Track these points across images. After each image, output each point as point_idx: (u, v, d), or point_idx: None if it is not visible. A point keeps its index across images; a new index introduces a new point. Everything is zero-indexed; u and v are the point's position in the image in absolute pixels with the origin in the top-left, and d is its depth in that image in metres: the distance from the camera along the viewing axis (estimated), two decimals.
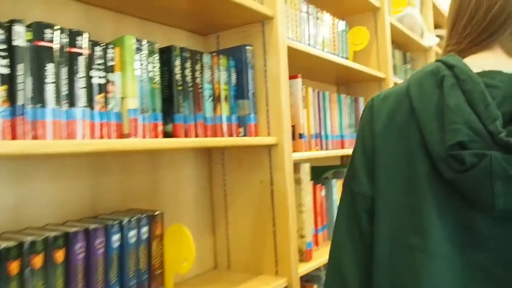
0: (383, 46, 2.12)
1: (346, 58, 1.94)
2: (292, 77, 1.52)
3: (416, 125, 0.62)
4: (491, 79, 0.61)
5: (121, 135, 0.98)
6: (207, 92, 1.20)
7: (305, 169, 1.47)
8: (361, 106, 2.05)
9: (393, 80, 2.16)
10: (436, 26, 3.67)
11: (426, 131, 0.60)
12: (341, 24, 1.90)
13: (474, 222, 0.58)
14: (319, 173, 1.92)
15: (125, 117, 0.98)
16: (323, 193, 1.70)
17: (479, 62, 0.66)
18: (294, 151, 1.41)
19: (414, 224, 0.61)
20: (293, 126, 1.51)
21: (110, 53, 0.97)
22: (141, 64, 1.02)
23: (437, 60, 0.65)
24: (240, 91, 1.31)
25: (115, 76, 0.97)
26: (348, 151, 1.80)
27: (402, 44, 2.70)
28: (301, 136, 1.51)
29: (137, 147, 0.92)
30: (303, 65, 1.72)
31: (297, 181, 1.44)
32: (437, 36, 3.62)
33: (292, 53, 1.42)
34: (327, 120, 1.75)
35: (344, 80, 2.17)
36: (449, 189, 0.59)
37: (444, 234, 0.59)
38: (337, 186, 1.77)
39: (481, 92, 0.57)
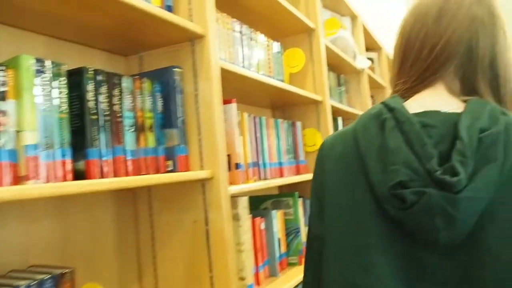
0: (318, 68, 2.05)
1: (282, 80, 1.84)
2: (226, 101, 1.38)
3: (362, 167, 0.65)
4: (429, 119, 0.64)
5: (17, 179, 0.78)
6: (127, 122, 1.02)
7: (243, 203, 1.33)
8: (299, 131, 1.95)
9: (329, 103, 2.09)
10: (367, 49, 3.73)
11: (370, 172, 0.63)
12: (276, 46, 1.81)
13: (421, 256, 0.60)
14: (257, 204, 1.79)
15: (22, 155, 0.79)
16: (262, 226, 1.56)
17: (423, 100, 0.70)
18: (230, 183, 1.27)
19: (360, 263, 0.63)
20: (228, 156, 1.37)
21: (1, 76, 0.78)
22: (43, 90, 0.84)
23: (381, 103, 0.69)
24: (167, 119, 1.15)
25: (7, 105, 0.78)
26: (288, 179, 1.69)
27: (336, 67, 2.67)
28: (237, 166, 1.37)
29: (37, 195, 0.73)
30: (236, 89, 1.60)
31: (235, 217, 1.29)
32: (369, 58, 3.67)
33: (226, 75, 1.29)
34: (265, 147, 1.63)
35: (280, 104, 2.07)
36: (394, 227, 0.61)
37: (390, 271, 0.61)
38: (277, 218, 1.64)
39: (418, 132, 0.61)
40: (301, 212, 1.84)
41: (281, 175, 1.74)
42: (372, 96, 3.52)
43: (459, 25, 0.70)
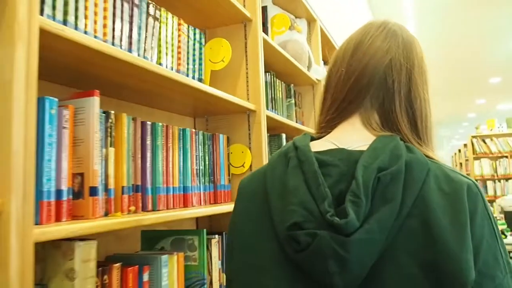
0: (254, 69, 1.62)
1: (200, 79, 1.40)
2: (83, 94, 0.92)
3: (267, 205, 0.64)
4: (331, 157, 0.63)
5: None
6: None
7: (83, 252, 0.84)
8: (222, 147, 1.50)
9: (266, 113, 1.65)
10: (326, 60, 3.33)
11: (273, 212, 0.62)
12: (194, 32, 1.37)
13: None
14: (153, 241, 1.31)
15: None
16: (145, 277, 1.09)
17: (336, 136, 0.70)
18: (74, 216, 0.80)
19: None
20: (81, 175, 0.90)
21: None
22: None
23: (292, 141, 0.68)
24: None
25: None
26: (196, 211, 1.23)
27: (285, 74, 2.25)
28: (93, 191, 0.90)
29: None
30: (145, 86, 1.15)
31: (69, 275, 0.81)
32: None
33: (60, 46, 0.83)
34: (158, 166, 1.17)
35: (201, 112, 1.62)
36: (295, 269, 0.59)
37: None
38: (171, 265, 1.17)
39: (314, 172, 0.60)
40: (214, 254, 1.38)
41: (185, 205, 1.28)
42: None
43: (372, 57, 0.70)
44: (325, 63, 3.25)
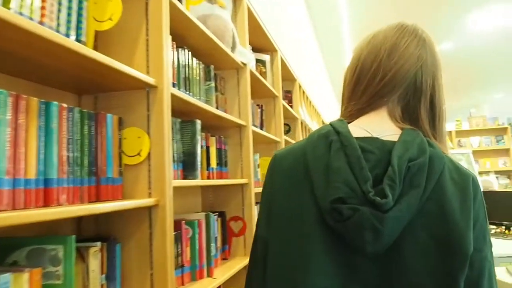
0: (156, 36, 1.31)
1: (80, 40, 1.07)
2: None
3: (309, 181, 0.74)
4: (369, 145, 0.74)
5: None
6: None
7: None
8: (110, 128, 1.19)
9: (171, 91, 1.36)
10: (257, 49, 3.08)
11: (316, 187, 0.72)
12: None
13: (353, 260, 0.70)
14: (4, 253, 0.98)
15: None
16: None
17: (366, 124, 0.81)
18: None
19: (300, 263, 0.71)
20: None
21: None
22: None
23: (329, 124, 0.79)
24: None
25: None
26: (54, 211, 0.91)
27: (205, 54, 1.96)
28: None
29: None
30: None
31: None
32: (257, 60, 3.02)
33: None
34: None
35: (89, 87, 1.29)
36: (333, 234, 0.70)
37: (327, 271, 0.70)
38: (17, 287, 0.84)
39: (358, 157, 0.71)
40: (94, 267, 1.06)
41: (47, 203, 0.96)
42: (260, 105, 2.87)
43: (407, 61, 0.81)
44: (254, 49, 3.00)
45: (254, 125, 2.67)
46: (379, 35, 0.86)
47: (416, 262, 0.68)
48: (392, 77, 0.80)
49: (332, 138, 0.74)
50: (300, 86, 4.24)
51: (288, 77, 3.84)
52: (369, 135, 0.77)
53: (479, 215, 0.72)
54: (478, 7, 5.88)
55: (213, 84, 1.99)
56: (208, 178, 1.94)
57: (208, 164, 1.95)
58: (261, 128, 2.87)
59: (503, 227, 3.98)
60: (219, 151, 2.11)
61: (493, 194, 4.40)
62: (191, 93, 1.72)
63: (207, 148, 1.94)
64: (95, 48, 1.34)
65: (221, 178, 2.09)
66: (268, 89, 2.90)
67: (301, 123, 4.19)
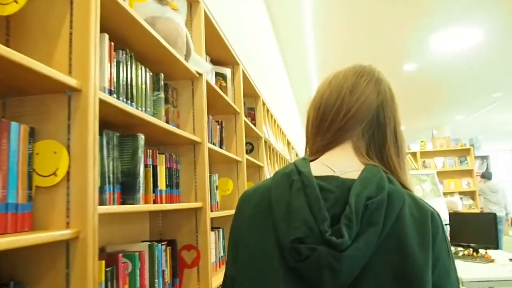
0: (82, 31, 1.07)
1: None
2: None
3: (271, 219, 0.76)
4: (328, 183, 0.76)
5: None
6: None
7: None
8: (15, 140, 0.93)
9: (99, 96, 1.11)
10: (217, 62, 2.87)
11: (277, 225, 0.74)
12: None
13: None
14: None
15: None
16: None
17: (332, 160, 0.84)
18: None
19: None
20: None
21: None
22: None
23: (293, 163, 0.81)
24: None
25: None
26: None
27: (154, 60, 1.73)
28: None
29: None
30: None
31: None
32: (218, 73, 2.80)
33: None
34: None
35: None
36: (294, 273, 0.71)
37: None
38: None
39: (316, 197, 0.73)
40: None
41: None
42: (219, 122, 2.65)
43: (368, 97, 0.85)
44: (214, 61, 2.79)
45: (212, 143, 2.44)
46: (339, 75, 0.90)
47: None
48: (356, 111, 0.84)
49: (294, 177, 0.76)
50: (264, 104, 4.04)
51: (251, 93, 3.64)
52: (331, 173, 0.80)
53: (441, 252, 0.73)
54: (443, 28, 5.91)
55: (162, 95, 1.75)
56: (155, 202, 1.69)
57: (155, 185, 1.70)
58: (221, 147, 2.64)
59: (471, 249, 3.85)
60: (170, 170, 1.86)
61: (458, 216, 4.31)
62: (133, 103, 1.48)
63: (154, 167, 1.69)
64: (7, 43, 1.09)
65: (171, 202, 1.84)
66: (228, 104, 2.69)
67: (265, 142, 3.99)
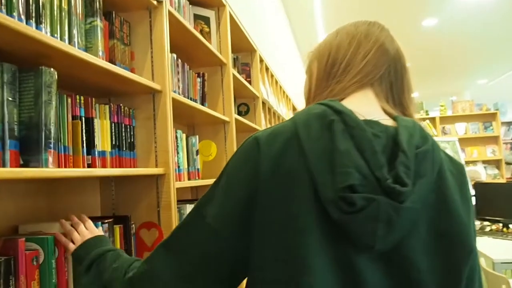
0: None
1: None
2: None
3: (305, 166, 0.63)
4: (371, 128, 0.67)
5: None
6: None
7: None
8: None
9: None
10: (197, 2, 2.38)
11: (315, 172, 0.63)
12: None
13: (354, 260, 0.62)
14: None
15: None
16: None
17: (356, 105, 0.71)
18: None
19: (300, 266, 0.61)
20: None
21: None
22: None
23: (321, 104, 0.70)
24: None
25: None
26: None
27: None
28: None
29: None
30: None
31: None
32: (197, 16, 2.34)
33: None
34: None
35: None
36: (334, 232, 0.62)
37: (327, 276, 0.61)
38: None
39: (369, 140, 0.63)
40: None
41: None
42: (200, 74, 2.19)
43: (384, 43, 0.77)
44: (193, 1, 2.31)
45: (190, 98, 1.99)
46: (347, 26, 0.82)
47: (420, 258, 0.64)
48: (374, 55, 0.76)
49: (332, 118, 0.66)
50: (262, 60, 3.56)
51: (245, 46, 3.16)
52: (364, 118, 0.70)
53: (472, 207, 0.71)
54: None
55: (98, 23, 1.29)
56: (92, 166, 1.26)
57: (91, 145, 1.26)
58: (203, 104, 2.19)
59: (500, 224, 3.38)
60: (118, 126, 1.42)
61: (484, 186, 3.82)
62: (40, 26, 1.03)
63: (88, 120, 1.26)
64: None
65: (120, 167, 1.41)
66: (211, 53, 2.22)
67: (264, 104, 3.52)
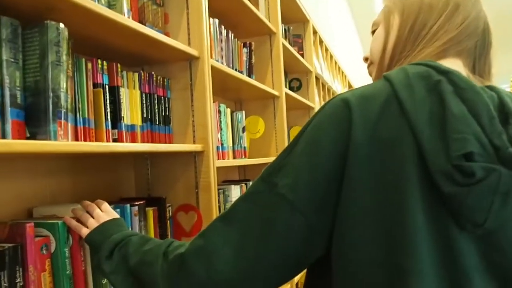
0: None
1: None
2: None
3: (409, 132, 0.56)
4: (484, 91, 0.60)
5: None
6: None
7: None
8: None
9: None
10: None
11: (423, 139, 0.55)
12: None
13: (454, 239, 0.55)
14: None
15: None
16: None
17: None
18: None
19: (402, 245, 0.55)
20: None
21: None
22: None
23: (419, 64, 0.63)
24: None
25: None
26: None
27: None
28: None
29: None
30: None
31: None
32: None
33: None
34: None
35: None
36: (436, 205, 0.55)
37: (430, 255, 0.55)
38: None
39: (485, 104, 0.56)
40: None
41: None
42: (247, 44, 2.00)
43: (481, 10, 0.70)
44: None
45: (236, 69, 1.80)
46: None
47: None
48: (472, 21, 0.67)
49: (437, 78, 0.58)
50: (315, 32, 3.31)
51: (296, 17, 2.92)
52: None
53: None
54: None
55: None
56: (118, 141, 1.11)
57: (117, 117, 1.11)
58: (249, 76, 2.00)
59: None
60: (150, 98, 1.26)
61: None
62: None
63: (112, 89, 1.10)
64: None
65: (153, 142, 1.25)
66: (258, 20, 2.02)
67: (317, 79, 3.28)
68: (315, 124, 0.62)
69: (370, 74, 0.79)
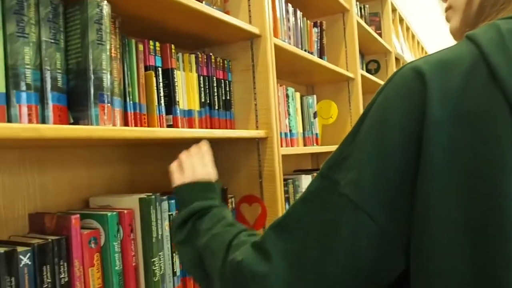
0: None
1: None
2: None
3: (505, 105, 0.45)
4: None
5: None
6: None
7: None
8: None
9: None
10: None
11: None
12: None
13: None
14: None
15: None
16: None
17: None
18: None
19: (501, 254, 0.44)
20: None
21: None
22: None
23: (507, 18, 0.52)
24: None
25: None
26: None
27: None
28: None
29: None
30: None
31: None
32: None
33: None
34: None
35: None
36: None
37: None
38: None
39: None
40: None
41: None
42: (318, 23, 1.85)
43: None
44: None
45: (306, 50, 1.68)
46: None
47: None
48: None
49: None
50: (394, 9, 3.06)
51: None
52: None
53: None
54: None
55: None
56: (175, 126, 1.04)
57: (172, 102, 1.04)
58: (321, 57, 1.86)
59: None
60: (209, 80, 1.18)
61: None
62: None
63: (166, 71, 1.03)
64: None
65: (213, 127, 1.17)
66: None
67: (397, 60, 3.03)
68: (381, 101, 0.51)
69: (448, 20, 0.64)
